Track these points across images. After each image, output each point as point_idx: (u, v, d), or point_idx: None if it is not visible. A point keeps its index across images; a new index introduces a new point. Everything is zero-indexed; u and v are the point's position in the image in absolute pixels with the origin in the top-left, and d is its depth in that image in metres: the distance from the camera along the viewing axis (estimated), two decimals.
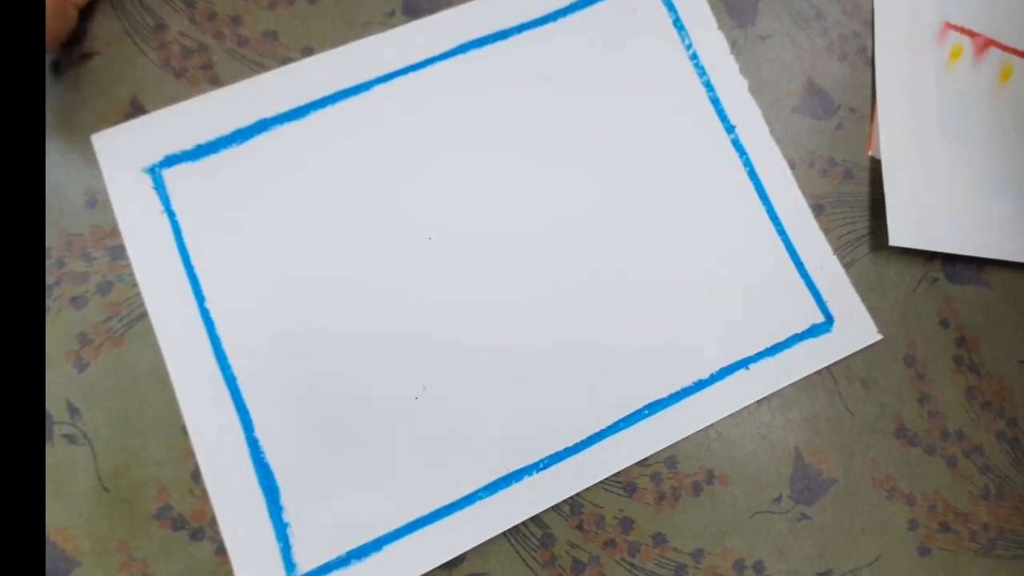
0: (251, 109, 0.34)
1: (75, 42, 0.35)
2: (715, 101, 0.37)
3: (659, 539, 0.32)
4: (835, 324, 0.35)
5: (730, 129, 0.37)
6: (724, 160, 0.36)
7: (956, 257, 0.37)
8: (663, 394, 0.33)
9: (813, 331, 0.35)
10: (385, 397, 0.32)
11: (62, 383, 0.31)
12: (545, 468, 0.32)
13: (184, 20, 0.35)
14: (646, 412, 0.33)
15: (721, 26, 0.38)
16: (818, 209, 0.37)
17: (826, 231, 0.37)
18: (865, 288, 0.36)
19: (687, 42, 0.37)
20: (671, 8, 0.38)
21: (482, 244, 0.34)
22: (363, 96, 0.35)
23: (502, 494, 0.32)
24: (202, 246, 0.33)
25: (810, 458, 0.34)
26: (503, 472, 0.32)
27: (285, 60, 0.35)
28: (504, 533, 0.32)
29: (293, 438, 0.31)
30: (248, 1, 0.36)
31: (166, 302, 0.32)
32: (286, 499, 0.31)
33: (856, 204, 0.38)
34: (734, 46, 0.38)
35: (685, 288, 0.35)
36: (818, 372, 0.35)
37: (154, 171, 0.33)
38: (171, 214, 0.33)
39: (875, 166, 0.38)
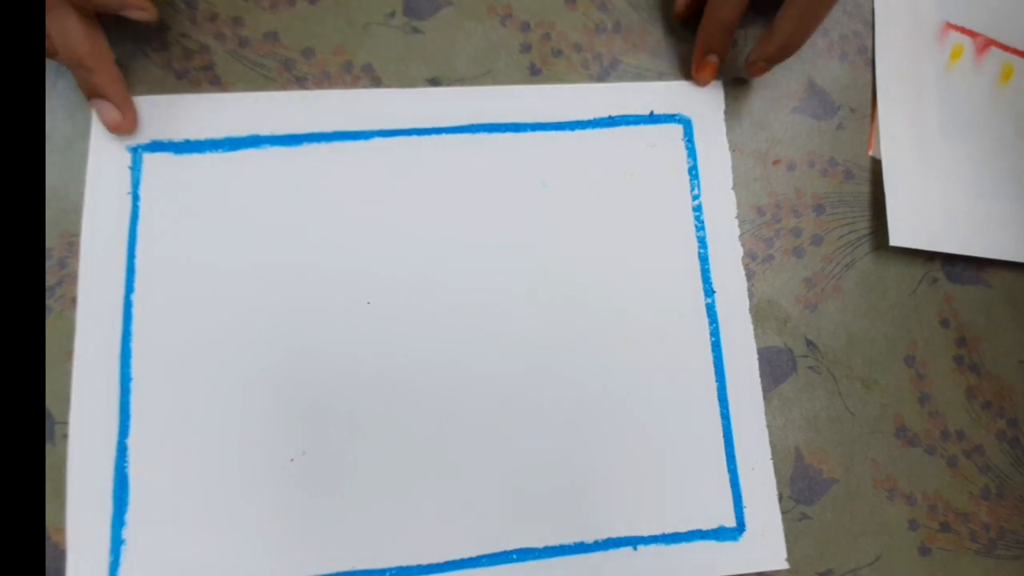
0: (250, 121, 0.34)
1: None
2: (704, 259, 0.35)
3: None
4: (745, 535, 0.32)
5: (709, 293, 0.35)
6: (692, 323, 0.34)
7: (956, 257, 0.37)
8: (536, 543, 0.31)
9: (719, 534, 0.32)
10: (264, 452, 0.31)
11: None
12: None
13: (185, 21, 0.36)
14: (514, 556, 0.31)
15: None
16: (818, 209, 0.37)
17: (826, 231, 0.37)
18: (865, 288, 0.36)
19: (696, 192, 0.36)
20: (692, 155, 0.36)
21: (420, 324, 0.33)
22: (360, 143, 0.34)
23: None
24: (151, 239, 0.33)
25: (810, 458, 0.34)
26: (346, 568, 0.30)
27: (286, 61, 0.35)
28: None
29: (162, 460, 0.30)
30: (249, 2, 0.36)
31: (97, 282, 0.32)
32: (132, 517, 0.30)
33: (856, 204, 0.38)
34: (734, 46, 0.38)
35: (602, 440, 0.33)
36: (817, 372, 0.35)
37: (137, 151, 0.33)
38: (136, 198, 0.33)
39: (875, 166, 0.38)
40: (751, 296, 0.35)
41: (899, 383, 0.36)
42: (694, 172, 0.36)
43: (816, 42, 0.39)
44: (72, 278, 0.32)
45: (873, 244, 0.37)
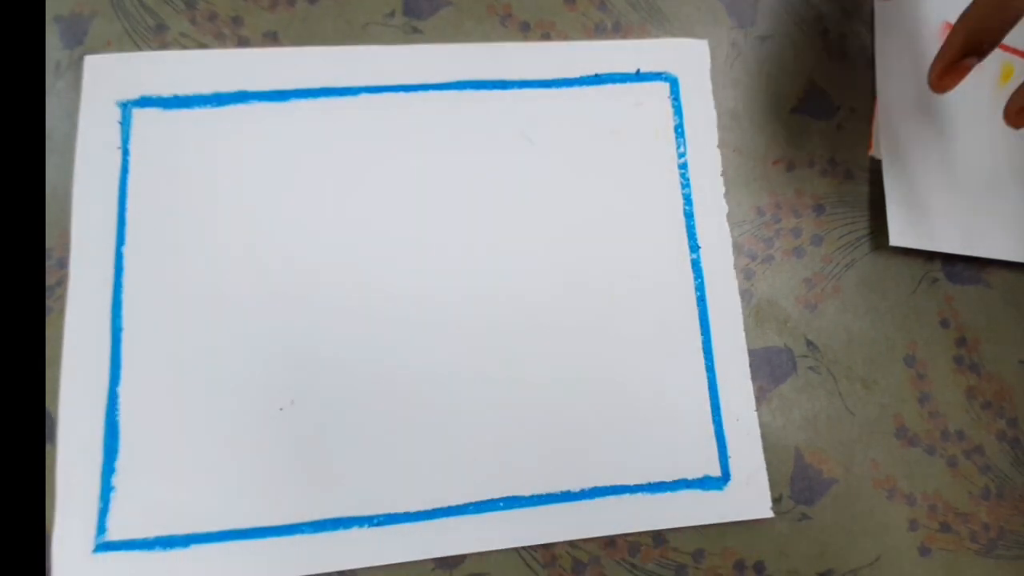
0: (237, 77, 0.34)
1: (75, 42, 0.35)
2: (689, 216, 0.35)
3: (659, 539, 0.32)
4: (730, 484, 0.33)
5: (694, 248, 0.35)
6: (677, 278, 0.35)
7: (956, 257, 0.37)
8: (523, 491, 0.32)
9: (704, 483, 0.33)
10: (253, 401, 0.31)
11: None
12: (376, 525, 0.31)
13: (184, 21, 0.36)
14: (501, 504, 0.31)
15: (720, 35, 0.38)
16: (818, 209, 0.37)
17: (826, 231, 0.37)
18: (865, 288, 0.36)
19: (682, 150, 0.36)
20: (678, 113, 0.36)
21: (408, 276, 0.33)
22: (347, 99, 0.35)
23: (322, 537, 0.30)
24: (141, 193, 0.33)
25: (810, 458, 0.34)
26: (335, 514, 0.31)
27: None
28: None
29: (152, 408, 0.31)
30: (249, 2, 0.36)
31: (88, 235, 0.32)
32: (122, 463, 0.30)
33: (856, 204, 0.38)
34: (734, 46, 0.38)
35: (588, 390, 0.33)
36: (817, 372, 0.35)
37: (126, 106, 0.34)
38: (125, 152, 0.33)
39: (875, 166, 0.38)
40: (750, 296, 0.35)
41: (899, 383, 0.36)
42: (680, 130, 0.36)
43: (816, 42, 0.39)
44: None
45: (873, 244, 0.37)
